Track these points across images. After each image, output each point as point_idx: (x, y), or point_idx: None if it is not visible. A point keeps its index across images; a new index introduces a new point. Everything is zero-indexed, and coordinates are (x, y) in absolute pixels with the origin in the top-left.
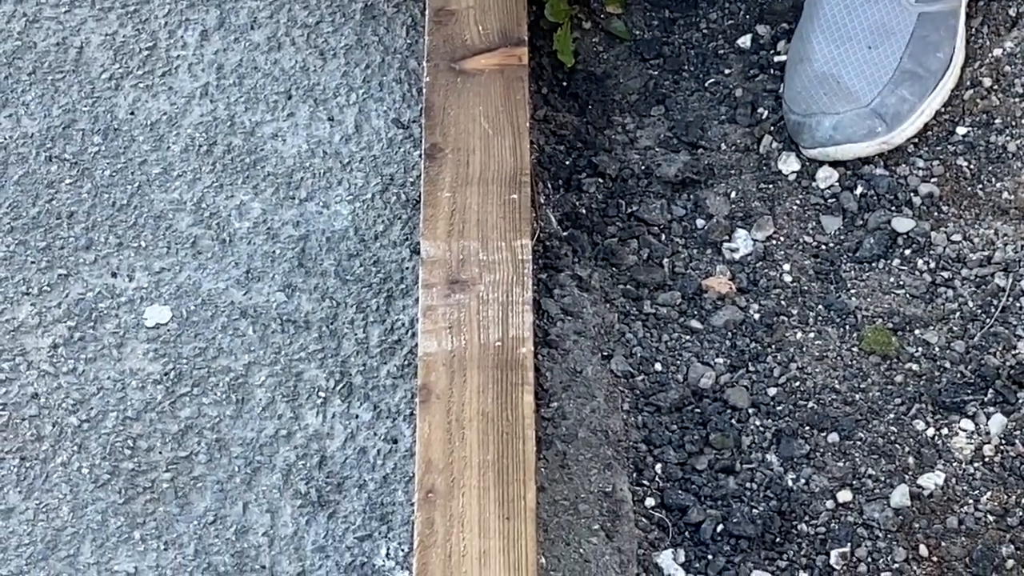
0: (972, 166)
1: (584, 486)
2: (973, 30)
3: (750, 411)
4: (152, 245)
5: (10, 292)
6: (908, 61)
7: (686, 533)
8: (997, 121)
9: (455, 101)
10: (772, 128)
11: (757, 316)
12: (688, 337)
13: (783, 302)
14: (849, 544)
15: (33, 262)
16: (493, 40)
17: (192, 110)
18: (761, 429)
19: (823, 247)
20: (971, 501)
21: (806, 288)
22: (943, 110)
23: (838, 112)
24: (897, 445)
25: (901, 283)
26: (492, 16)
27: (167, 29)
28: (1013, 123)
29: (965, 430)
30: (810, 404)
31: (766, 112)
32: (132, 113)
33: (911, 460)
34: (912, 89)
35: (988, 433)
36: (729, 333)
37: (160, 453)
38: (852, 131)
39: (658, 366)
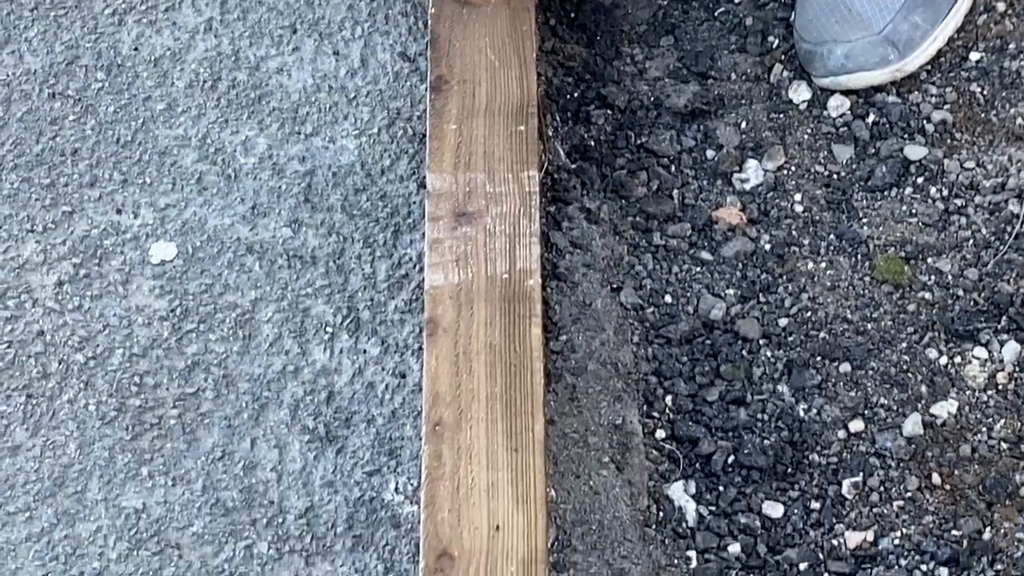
0: (986, 92)
1: (594, 419)
2: None
3: (761, 342)
4: (157, 181)
5: (15, 229)
6: None
7: (697, 465)
8: (1011, 46)
9: (461, 32)
10: (783, 57)
11: (768, 247)
12: (698, 269)
13: (794, 232)
14: (861, 474)
15: (37, 199)
16: None
17: (196, 45)
18: (772, 360)
19: (835, 176)
20: (984, 429)
21: (817, 218)
22: (956, 36)
23: (850, 40)
24: (910, 374)
25: (914, 211)
26: None
27: None
28: None
29: (978, 358)
30: (822, 334)
31: (776, 41)
32: (136, 49)
33: (924, 389)
34: (925, 15)
35: (1002, 361)
36: (740, 264)
37: (167, 390)
38: (864, 59)
39: (668, 298)
